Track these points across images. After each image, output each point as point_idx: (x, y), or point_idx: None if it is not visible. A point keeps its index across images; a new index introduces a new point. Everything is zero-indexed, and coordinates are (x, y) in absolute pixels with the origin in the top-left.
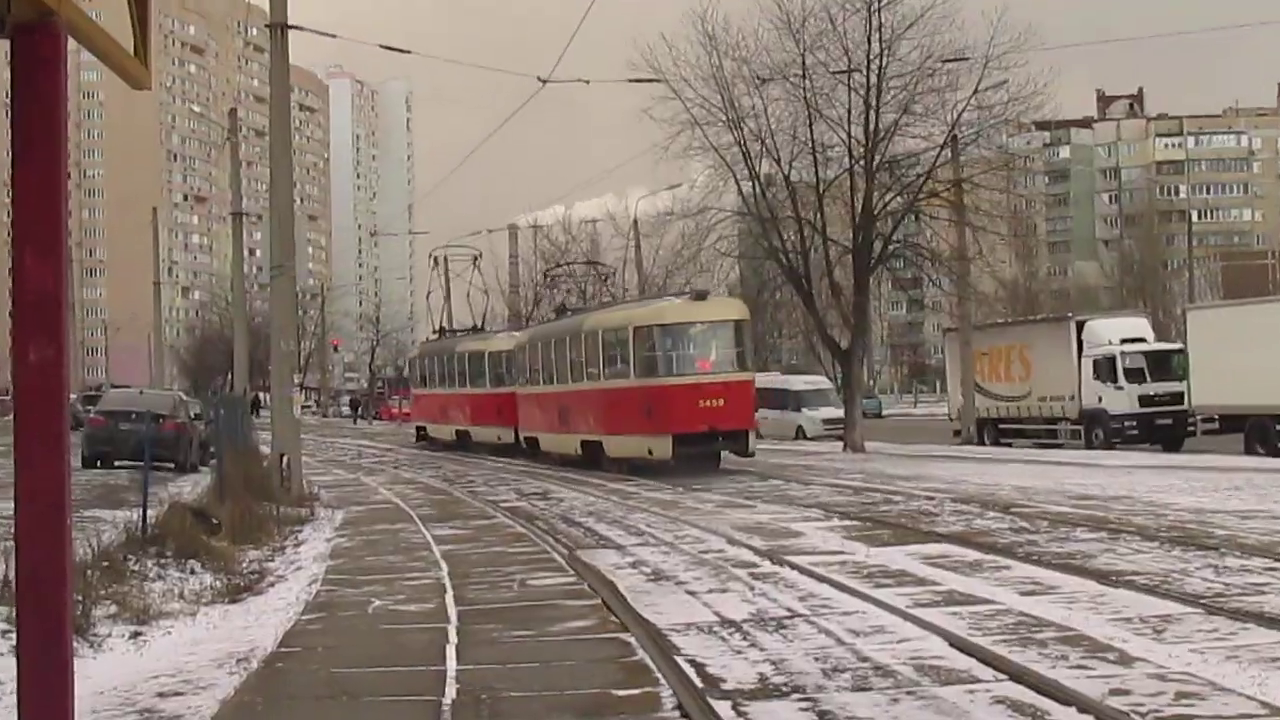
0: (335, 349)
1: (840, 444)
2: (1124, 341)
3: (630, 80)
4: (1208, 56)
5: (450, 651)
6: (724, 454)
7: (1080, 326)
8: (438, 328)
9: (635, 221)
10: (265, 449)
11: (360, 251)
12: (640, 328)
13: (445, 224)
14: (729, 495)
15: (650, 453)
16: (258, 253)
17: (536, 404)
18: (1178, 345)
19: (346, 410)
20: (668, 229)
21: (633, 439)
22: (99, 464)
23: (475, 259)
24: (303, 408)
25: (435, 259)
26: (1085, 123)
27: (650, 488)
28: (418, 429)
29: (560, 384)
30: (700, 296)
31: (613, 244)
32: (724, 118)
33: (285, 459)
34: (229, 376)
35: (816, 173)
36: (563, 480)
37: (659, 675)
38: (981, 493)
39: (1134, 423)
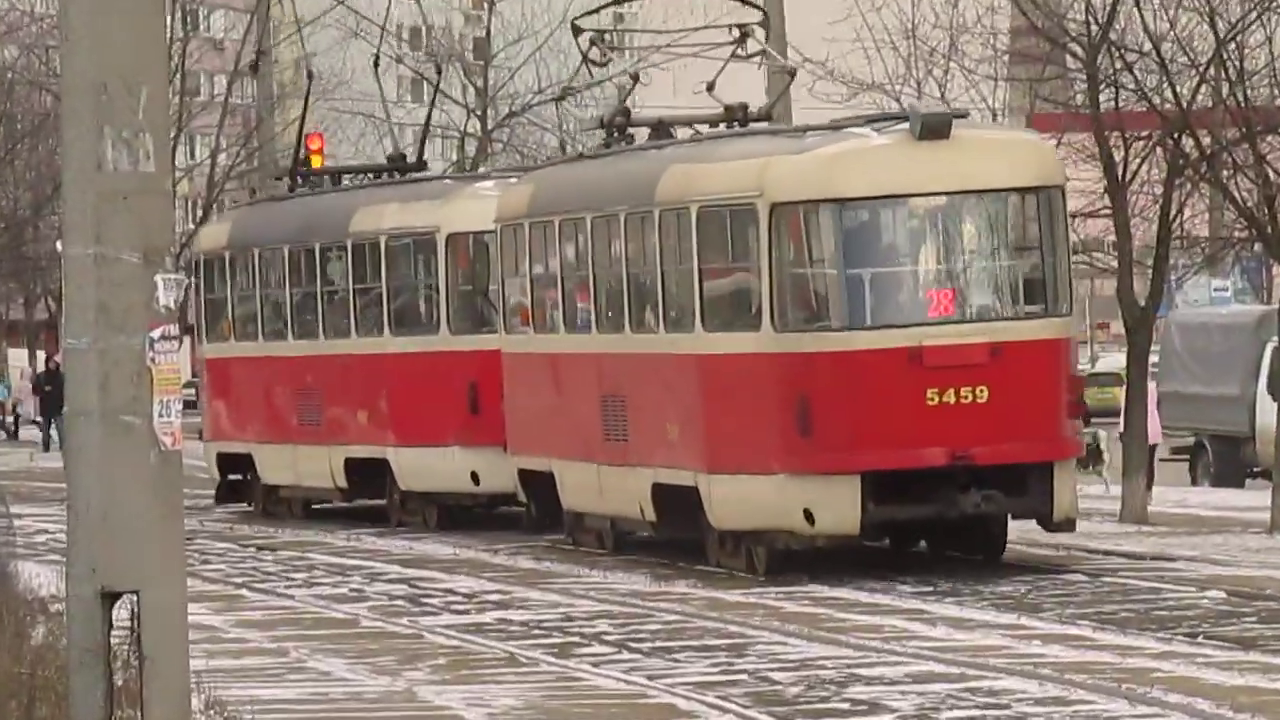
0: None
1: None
2: None
3: None
4: None
5: None
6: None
7: None
8: (297, 165)
9: None
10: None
11: None
12: (784, 205)
13: None
14: None
15: (809, 519)
16: None
17: (547, 383)
18: None
19: (34, 416)
20: None
21: (761, 483)
22: None
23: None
24: None
25: None
26: None
27: None
28: (220, 463)
29: (607, 331)
30: (937, 126)
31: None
32: None
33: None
34: None
35: None
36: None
37: None
38: None
39: None
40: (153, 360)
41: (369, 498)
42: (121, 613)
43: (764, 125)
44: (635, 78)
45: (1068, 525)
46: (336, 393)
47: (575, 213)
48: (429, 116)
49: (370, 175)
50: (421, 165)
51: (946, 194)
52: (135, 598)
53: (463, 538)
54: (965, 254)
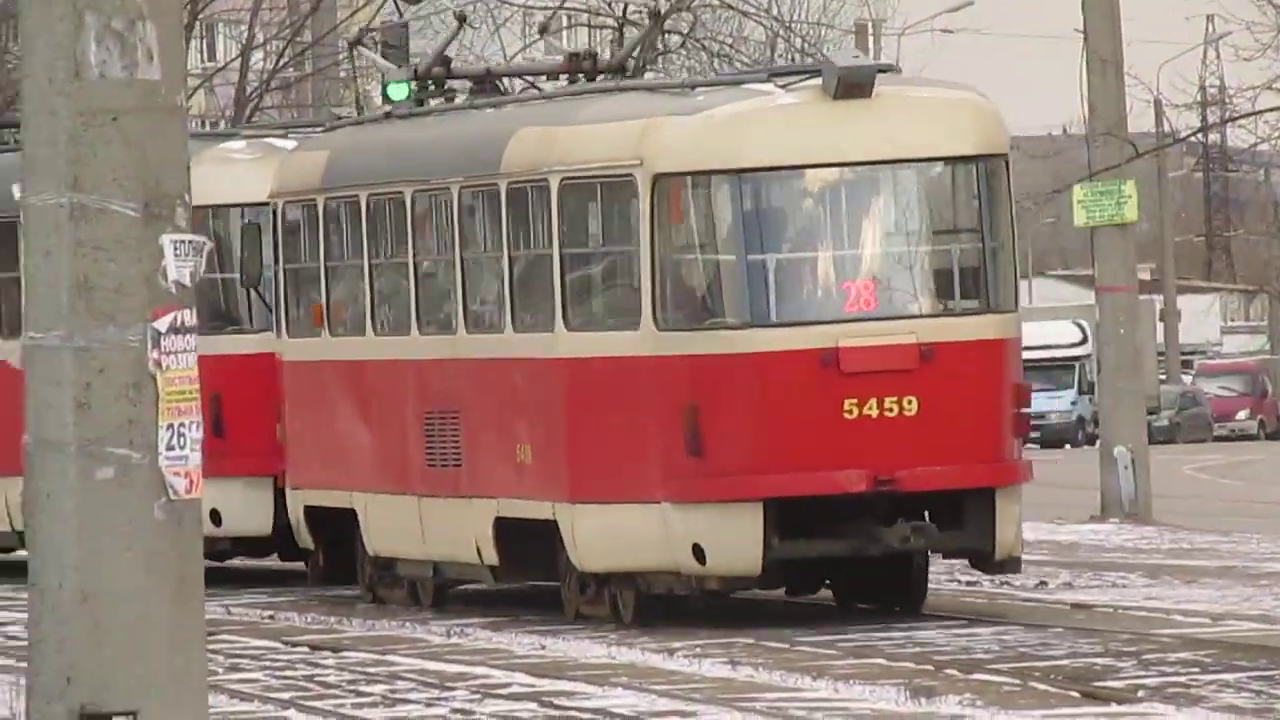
0: None
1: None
2: None
3: None
4: None
5: None
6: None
7: None
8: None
9: None
10: None
11: None
12: (670, 176)
13: None
14: None
15: (699, 557)
16: None
17: (346, 398)
18: None
19: None
20: None
21: (639, 513)
22: None
23: None
24: None
25: None
26: None
27: None
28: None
29: (432, 332)
30: (857, 81)
31: None
32: None
33: None
34: None
35: None
36: None
37: None
38: None
39: None
40: (158, 364)
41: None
42: None
43: (640, 80)
44: (462, 19)
45: (1011, 565)
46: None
47: (389, 185)
48: None
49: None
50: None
51: (867, 164)
52: None
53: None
54: (890, 237)
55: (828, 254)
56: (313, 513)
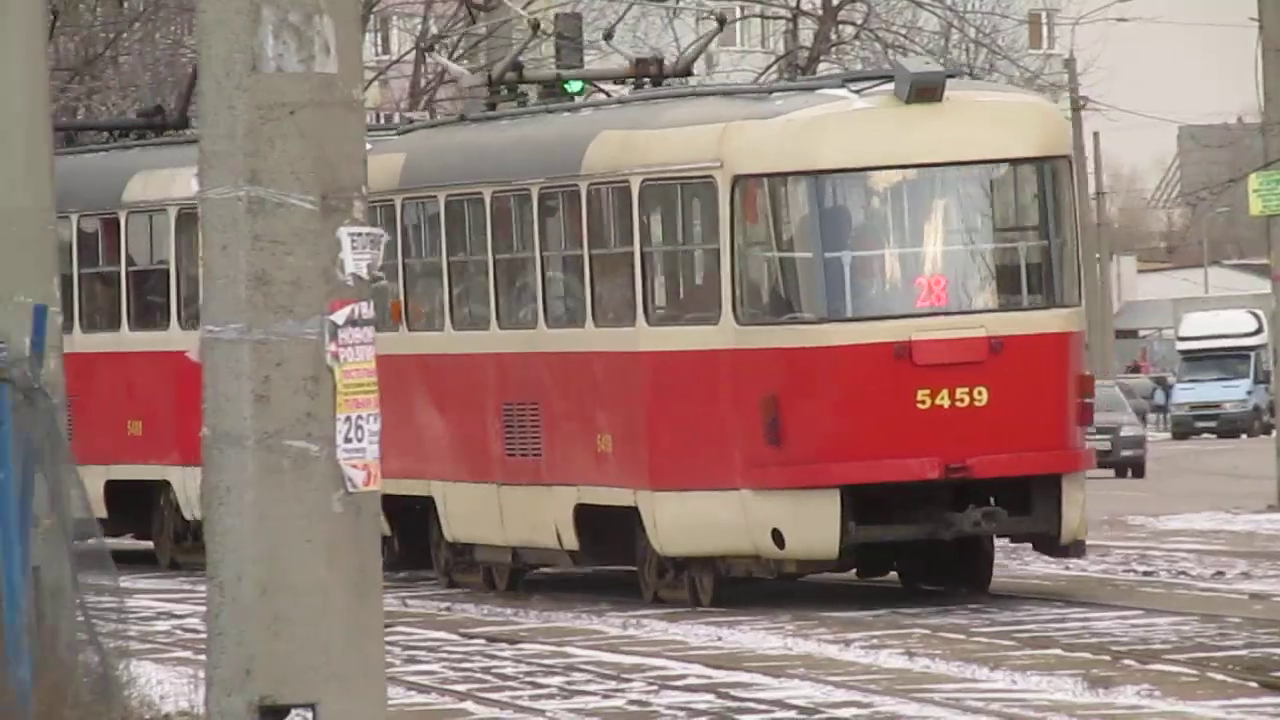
0: None
1: None
2: None
3: None
4: None
5: None
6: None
7: None
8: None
9: None
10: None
11: None
12: (750, 177)
13: None
14: None
15: (778, 541)
16: None
17: (423, 391)
18: None
19: None
20: None
21: (719, 499)
22: None
23: None
24: None
25: None
26: None
27: None
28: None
29: (511, 326)
30: (928, 86)
31: None
32: None
33: None
34: None
35: None
36: None
37: None
38: None
39: None
40: (335, 357)
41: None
42: None
43: (718, 85)
44: (535, 26)
45: (1077, 549)
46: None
47: (468, 186)
48: None
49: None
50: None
51: (938, 165)
52: (309, 714)
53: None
54: (960, 235)
55: (900, 251)
56: (389, 501)
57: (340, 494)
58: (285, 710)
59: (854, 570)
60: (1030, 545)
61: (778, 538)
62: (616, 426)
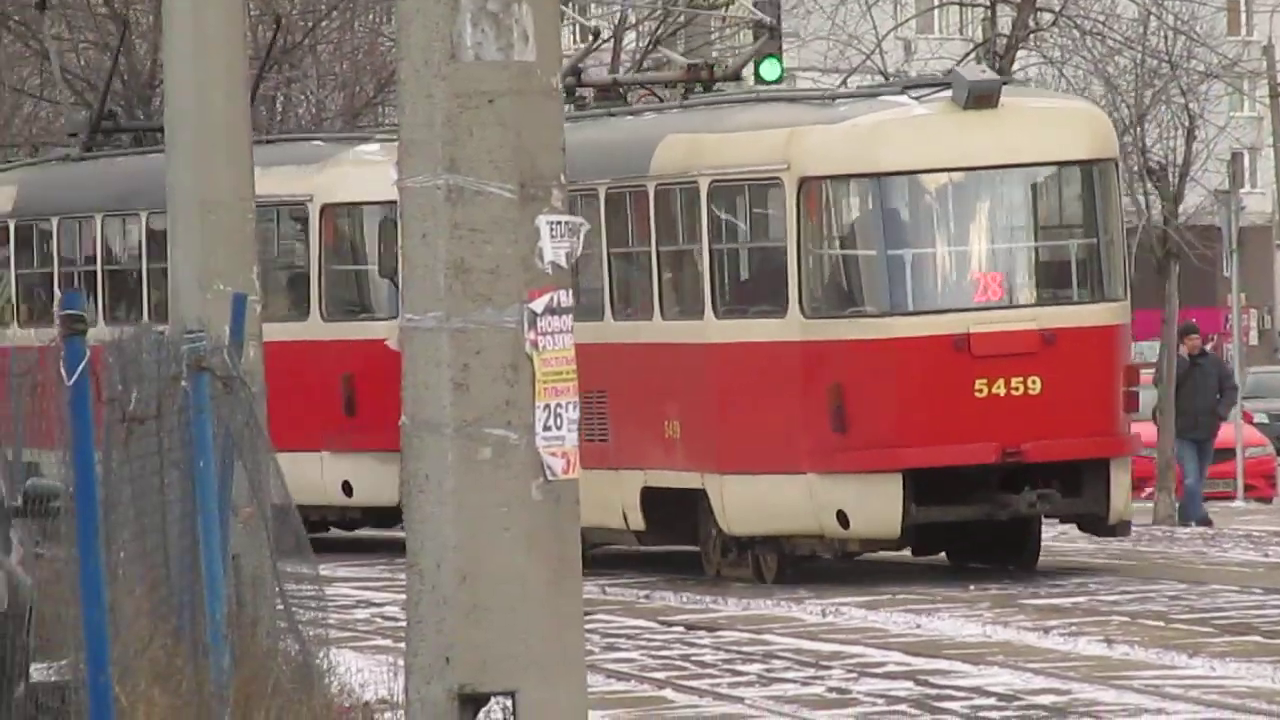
0: None
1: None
2: None
3: None
4: None
5: None
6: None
7: None
8: None
9: None
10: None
11: None
12: (816, 179)
13: None
14: None
15: (843, 522)
16: None
17: None
18: None
19: None
20: None
21: (785, 483)
22: None
23: None
24: None
25: None
26: None
27: None
28: None
29: (576, 318)
30: (985, 93)
31: None
32: None
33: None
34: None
35: None
36: None
37: None
38: None
39: None
40: (535, 345)
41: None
42: None
43: (783, 90)
44: (596, 34)
45: (1123, 529)
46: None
47: None
48: None
49: None
50: None
51: (993, 168)
52: (509, 702)
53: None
54: (1015, 233)
55: (958, 249)
56: None
57: (539, 482)
58: (485, 698)
59: (909, 550)
60: (1075, 526)
61: (842, 519)
62: (684, 414)
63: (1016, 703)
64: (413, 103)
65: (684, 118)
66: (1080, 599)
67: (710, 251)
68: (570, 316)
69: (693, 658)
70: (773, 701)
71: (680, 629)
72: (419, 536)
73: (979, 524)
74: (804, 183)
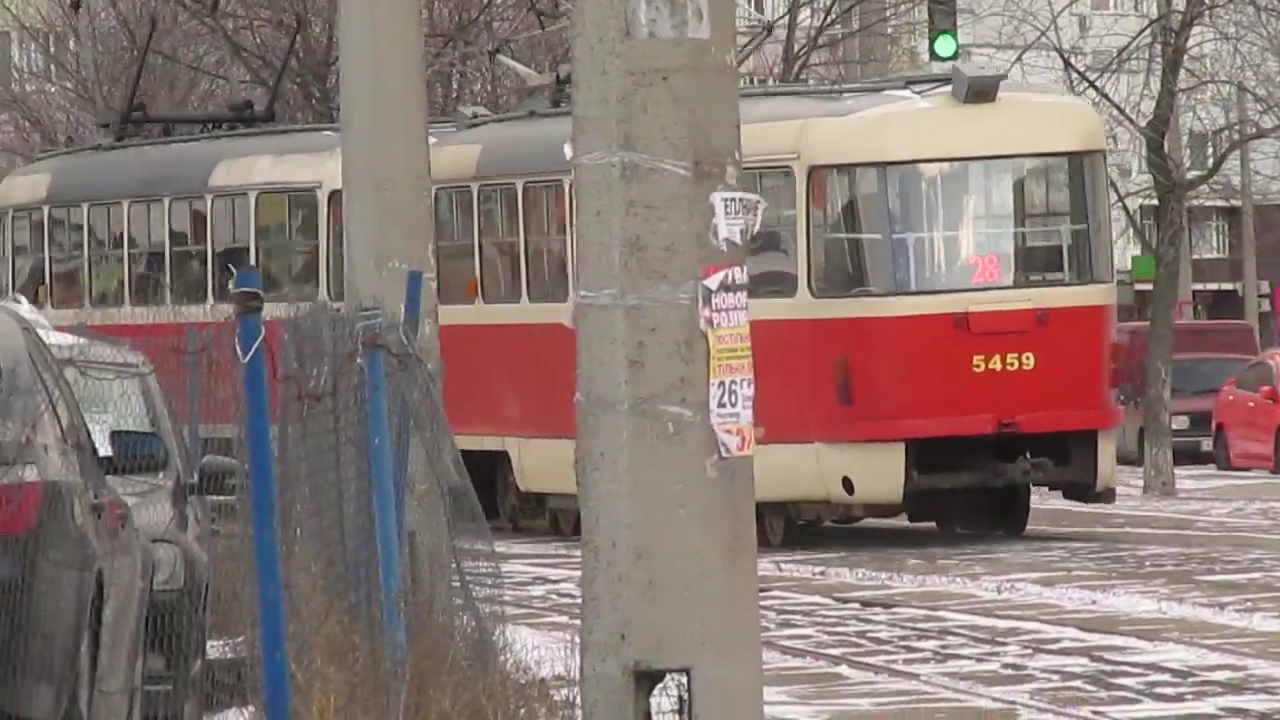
0: None
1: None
2: None
3: None
4: None
5: None
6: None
7: None
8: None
9: None
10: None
11: None
12: (825, 168)
13: None
14: None
15: (848, 488)
16: None
17: (495, 355)
18: None
19: None
20: None
21: (794, 451)
22: None
23: None
24: None
25: None
26: None
27: None
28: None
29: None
30: (984, 89)
31: None
32: None
33: None
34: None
35: None
36: None
37: None
38: None
39: None
40: (710, 322)
41: None
42: (664, 701)
43: (792, 86)
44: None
45: (1108, 495)
46: None
47: (546, 174)
48: None
49: None
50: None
51: (993, 158)
52: (684, 678)
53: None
54: (1009, 219)
55: (958, 233)
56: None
57: (714, 459)
58: (660, 675)
59: (905, 515)
60: (1061, 493)
61: (848, 485)
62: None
63: (1191, 679)
64: (587, 80)
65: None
66: (1255, 575)
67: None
68: (744, 294)
69: (868, 634)
70: (948, 678)
71: (855, 605)
72: (594, 514)
73: (972, 491)
74: (813, 171)
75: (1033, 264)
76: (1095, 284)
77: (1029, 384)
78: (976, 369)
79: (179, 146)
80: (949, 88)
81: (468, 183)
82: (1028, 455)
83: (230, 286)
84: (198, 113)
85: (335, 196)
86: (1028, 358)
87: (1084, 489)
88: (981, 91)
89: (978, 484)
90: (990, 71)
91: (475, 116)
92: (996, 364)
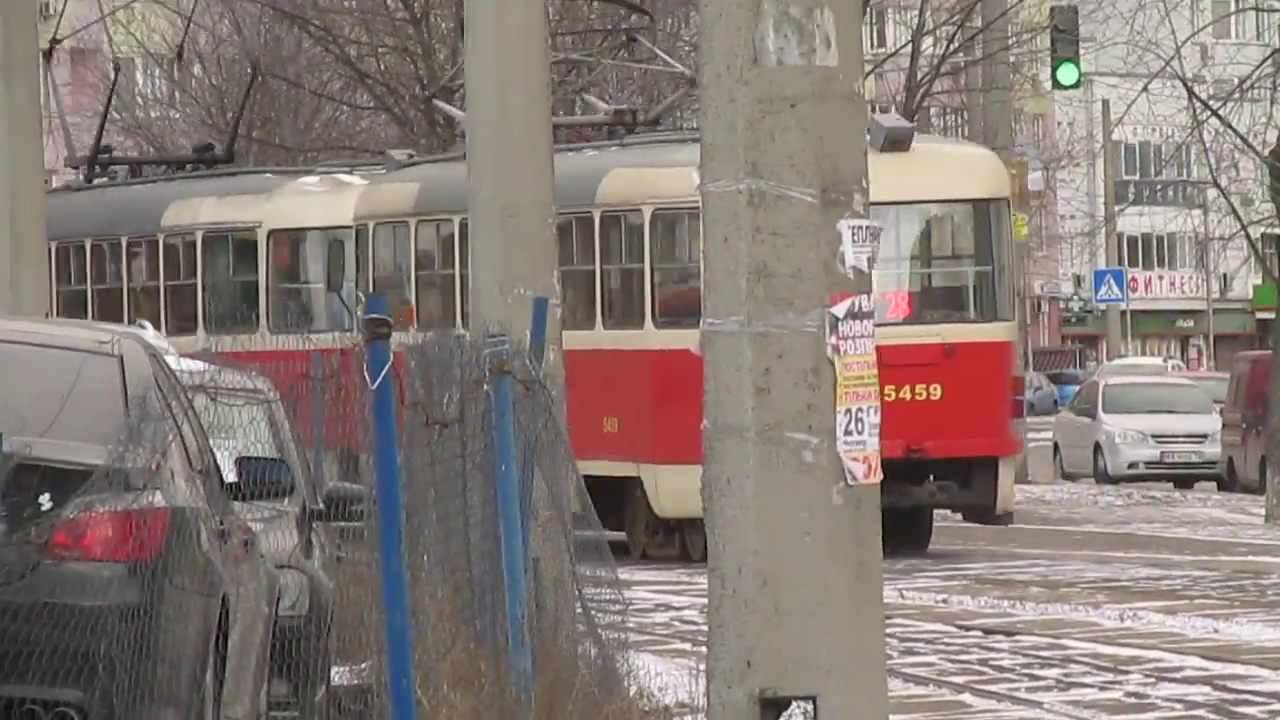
0: None
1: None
2: None
3: None
4: None
5: None
6: (942, 518)
7: None
8: None
9: None
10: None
11: None
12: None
13: None
14: None
15: None
16: None
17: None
18: None
19: None
20: None
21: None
22: None
23: None
24: None
25: None
26: None
27: None
28: None
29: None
30: (900, 138)
31: None
32: None
33: None
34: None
35: None
36: None
37: None
38: None
39: None
40: (836, 349)
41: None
42: None
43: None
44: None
45: (1007, 518)
46: None
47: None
48: None
49: None
50: None
51: (905, 203)
52: (810, 706)
53: None
54: (920, 260)
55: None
56: None
57: (840, 486)
58: (786, 702)
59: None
60: (962, 515)
61: None
62: (621, 411)
63: None
64: (714, 107)
65: (627, 154)
66: None
67: (653, 270)
68: (871, 321)
69: (991, 662)
70: (1071, 706)
71: (978, 633)
72: (720, 540)
73: (882, 511)
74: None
75: (941, 302)
76: (999, 321)
77: (936, 413)
78: (888, 398)
79: (138, 188)
80: (867, 137)
81: (406, 218)
82: (933, 479)
83: (359, 314)
84: (157, 155)
85: (274, 235)
86: (935, 389)
87: (984, 511)
88: (897, 141)
89: (888, 505)
90: (904, 124)
91: (410, 158)
92: (906, 394)
